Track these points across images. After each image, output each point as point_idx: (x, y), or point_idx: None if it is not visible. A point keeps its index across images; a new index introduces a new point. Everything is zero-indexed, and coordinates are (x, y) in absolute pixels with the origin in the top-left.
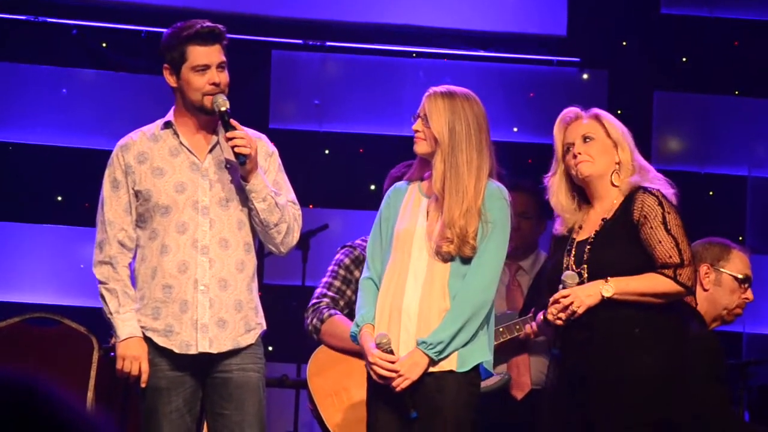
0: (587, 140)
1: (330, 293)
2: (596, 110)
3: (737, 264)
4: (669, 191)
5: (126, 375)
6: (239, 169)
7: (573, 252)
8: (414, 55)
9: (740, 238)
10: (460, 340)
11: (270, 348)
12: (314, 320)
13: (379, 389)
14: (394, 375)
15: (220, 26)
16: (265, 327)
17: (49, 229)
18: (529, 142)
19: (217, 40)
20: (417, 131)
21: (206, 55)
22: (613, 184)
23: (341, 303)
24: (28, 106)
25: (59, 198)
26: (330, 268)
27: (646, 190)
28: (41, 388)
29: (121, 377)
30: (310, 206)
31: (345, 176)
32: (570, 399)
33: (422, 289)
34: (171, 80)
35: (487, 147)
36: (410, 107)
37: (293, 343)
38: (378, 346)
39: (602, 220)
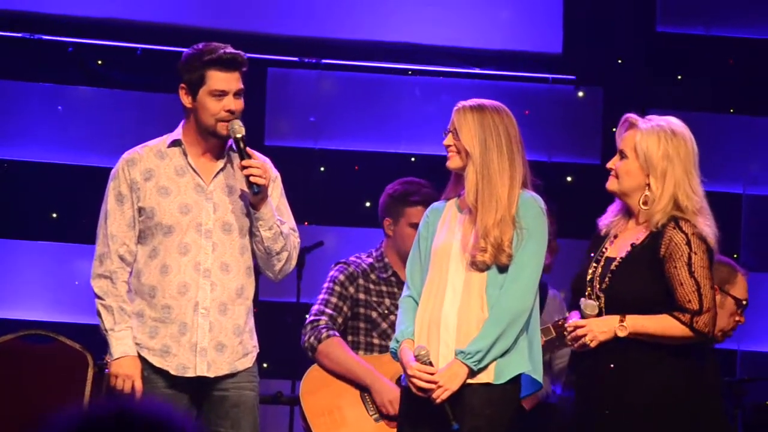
0: (623, 157)
1: (328, 310)
2: (645, 125)
3: (740, 288)
4: (707, 229)
5: (119, 393)
6: (250, 198)
7: (600, 266)
8: (409, 72)
9: (735, 256)
10: (498, 348)
11: (265, 365)
12: (311, 338)
13: (413, 407)
14: (433, 386)
15: (242, 53)
16: (258, 349)
17: (44, 246)
18: None
19: (238, 67)
20: (448, 146)
21: (225, 81)
22: (642, 209)
23: (339, 320)
24: (24, 124)
25: (54, 215)
26: (325, 285)
27: (677, 224)
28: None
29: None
30: (306, 223)
31: (340, 193)
32: (580, 423)
33: (460, 301)
34: (186, 101)
35: (520, 157)
36: (406, 124)
37: (288, 360)
38: (417, 358)
39: (631, 245)
